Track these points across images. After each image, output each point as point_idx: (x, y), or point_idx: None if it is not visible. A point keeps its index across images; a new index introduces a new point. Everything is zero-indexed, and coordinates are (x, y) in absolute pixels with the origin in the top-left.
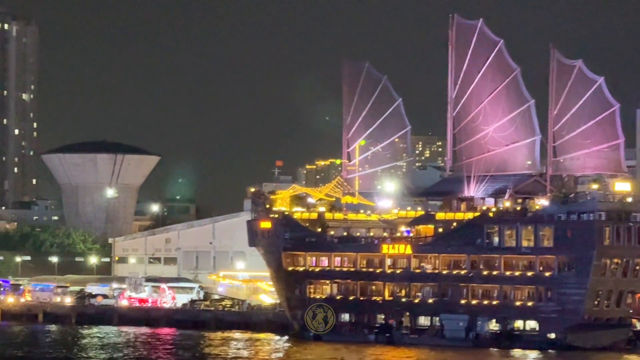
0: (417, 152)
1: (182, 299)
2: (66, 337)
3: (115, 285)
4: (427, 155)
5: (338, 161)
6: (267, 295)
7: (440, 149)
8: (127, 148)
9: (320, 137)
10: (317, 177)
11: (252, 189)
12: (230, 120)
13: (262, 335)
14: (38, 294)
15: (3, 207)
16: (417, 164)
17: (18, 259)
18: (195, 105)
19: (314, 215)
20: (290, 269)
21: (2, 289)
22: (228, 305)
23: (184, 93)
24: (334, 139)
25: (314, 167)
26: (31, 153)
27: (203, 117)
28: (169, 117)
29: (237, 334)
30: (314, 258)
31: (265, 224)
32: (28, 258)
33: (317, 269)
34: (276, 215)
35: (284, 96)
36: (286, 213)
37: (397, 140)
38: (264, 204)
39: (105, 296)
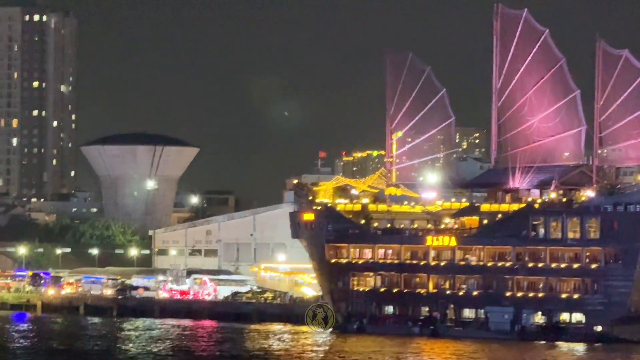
0: (441, 145)
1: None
2: (107, 329)
3: (161, 277)
4: (465, 146)
5: (375, 153)
6: (309, 288)
7: (477, 141)
8: (167, 139)
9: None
10: (354, 169)
11: (295, 181)
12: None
13: (304, 328)
14: (88, 286)
15: (42, 199)
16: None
17: (58, 251)
18: (234, 96)
19: (358, 207)
20: (333, 261)
21: (42, 281)
22: (270, 298)
23: (223, 84)
24: (371, 131)
25: (351, 159)
26: (70, 145)
27: (241, 108)
28: (208, 108)
29: (278, 327)
30: (357, 250)
31: (308, 216)
32: (68, 250)
33: (360, 261)
34: (319, 207)
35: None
36: (329, 205)
37: (440, 131)
38: (307, 196)
39: (146, 288)
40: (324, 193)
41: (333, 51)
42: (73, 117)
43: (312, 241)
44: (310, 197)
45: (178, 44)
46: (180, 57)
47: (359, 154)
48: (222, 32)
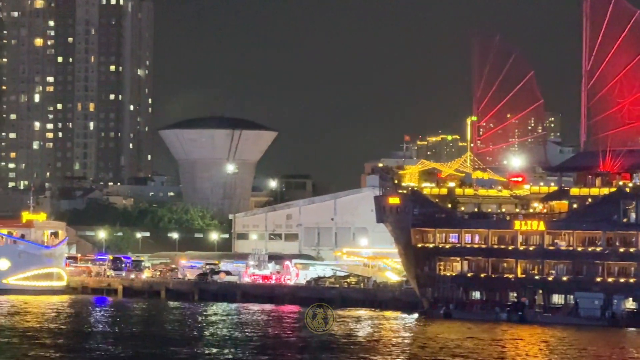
0: (529, 127)
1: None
2: (187, 313)
3: (252, 262)
4: (540, 130)
5: (449, 137)
6: (393, 272)
7: (553, 125)
8: (245, 123)
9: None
10: (429, 153)
11: (380, 164)
12: (345, 95)
13: (388, 313)
14: (189, 271)
15: (119, 183)
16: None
17: (138, 235)
18: (312, 79)
19: (444, 191)
20: (419, 245)
21: (123, 265)
22: (353, 283)
23: (301, 67)
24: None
25: (425, 143)
26: (146, 129)
27: (319, 91)
28: (286, 91)
29: (362, 312)
30: (443, 234)
31: (394, 200)
32: (147, 234)
33: (447, 246)
34: (405, 191)
35: (404, 71)
36: (415, 189)
37: (528, 114)
38: (393, 180)
39: (228, 273)
40: (410, 177)
41: (411, 34)
42: (149, 100)
43: (397, 225)
44: (396, 181)
45: (256, 27)
46: (259, 40)
47: (433, 138)
48: (301, 15)
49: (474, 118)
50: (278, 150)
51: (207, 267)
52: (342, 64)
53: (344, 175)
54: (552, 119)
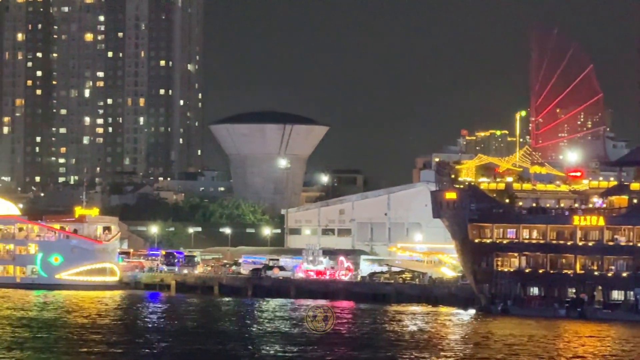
0: (579, 122)
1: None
2: (241, 309)
3: (306, 257)
4: (589, 125)
5: (498, 132)
6: (449, 268)
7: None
8: (296, 118)
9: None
10: (477, 148)
11: (436, 159)
12: (396, 89)
13: (443, 309)
14: (250, 267)
15: (169, 178)
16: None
17: (190, 230)
18: (363, 73)
19: (502, 186)
20: (476, 240)
21: (176, 260)
22: (408, 278)
23: (352, 61)
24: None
25: (474, 138)
26: (196, 124)
27: (370, 85)
28: (337, 85)
29: (417, 308)
30: (501, 230)
31: (451, 195)
32: (199, 229)
33: (504, 241)
34: (462, 186)
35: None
36: (472, 183)
37: (587, 108)
38: (449, 175)
39: (282, 268)
40: (467, 172)
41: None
42: (199, 95)
43: (454, 221)
44: (453, 176)
45: (307, 21)
46: (309, 33)
47: (481, 133)
48: (351, 8)
49: (524, 113)
50: (329, 145)
51: (271, 261)
52: (393, 58)
53: (394, 170)
54: (599, 114)
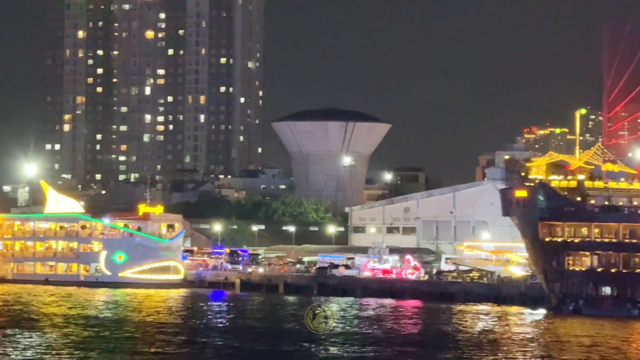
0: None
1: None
2: (305, 308)
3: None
4: None
5: (558, 130)
6: (517, 267)
7: None
8: (358, 115)
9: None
10: (536, 146)
11: (506, 157)
12: (458, 87)
13: (512, 309)
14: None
15: (229, 176)
16: None
17: (254, 228)
18: (425, 71)
19: (573, 184)
20: (547, 239)
21: (240, 258)
22: (476, 277)
23: (415, 59)
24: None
25: (533, 136)
26: (257, 121)
27: (433, 84)
28: (399, 83)
29: (485, 307)
30: (572, 228)
31: (521, 193)
32: (262, 227)
33: (576, 240)
34: (532, 184)
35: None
36: (543, 181)
37: None
38: (519, 172)
39: (347, 267)
40: (537, 169)
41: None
42: (260, 93)
43: (524, 219)
44: (523, 174)
45: (368, 18)
46: (372, 31)
47: (540, 131)
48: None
49: (584, 111)
50: (390, 143)
51: (348, 260)
52: (455, 57)
53: (456, 168)
54: None
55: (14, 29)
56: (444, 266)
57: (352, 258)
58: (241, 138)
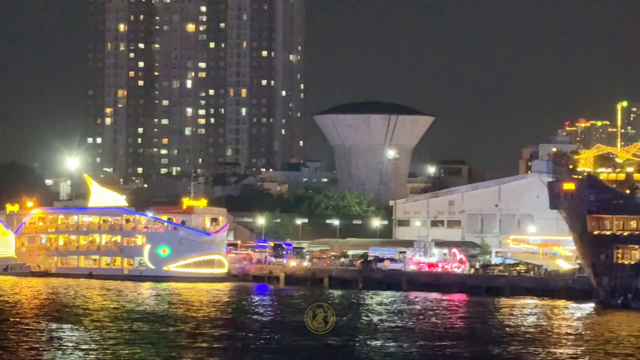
0: None
1: None
2: (350, 302)
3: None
4: None
5: (599, 123)
6: (564, 261)
7: None
8: (401, 108)
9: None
10: (577, 139)
11: (554, 149)
12: (501, 80)
13: (559, 303)
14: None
15: (271, 169)
16: None
17: (298, 221)
18: (468, 64)
19: (622, 176)
20: (595, 232)
21: (284, 252)
22: (523, 271)
23: (458, 52)
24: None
25: (574, 129)
26: (298, 114)
27: (475, 76)
28: (442, 76)
29: (532, 301)
30: (621, 221)
31: (569, 186)
32: (305, 220)
33: (625, 233)
34: (580, 177)
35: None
36: (591, 174)
37: None
38: (567, 165)
39: (392, 260)
40: (585, 162)
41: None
42: (301, 86)
43: (572, 212)
44: (571, 166)
45: (411, 10)
46: (414, 23)
47: (582, 124)
48: None
49: (625, 103)
50: (434, 136)
51: (400, 254)
52: (498, 50)
53: (499, 160)
54: None
55: (56, 23)
56: (495, 259)
57: (404, 252)
58: (283, 131)
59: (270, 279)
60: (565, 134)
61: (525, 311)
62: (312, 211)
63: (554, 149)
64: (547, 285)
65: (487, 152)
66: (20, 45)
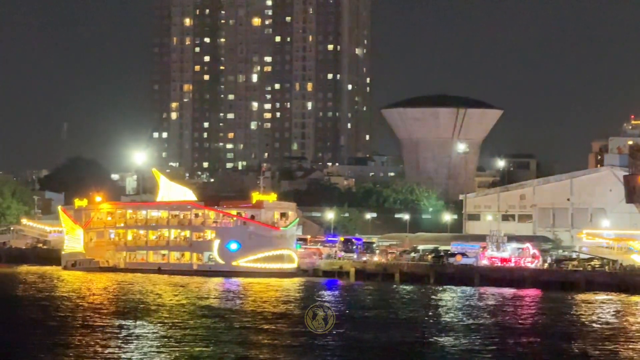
0: None
1: None
2: (422, 297)
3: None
4: None
5: None
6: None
7: None
8: (469, 101)
9: None
10: None
11: (630, 142)
12: (570, 73)
13: (635, 298)
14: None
15: (337, 163)
16: None
17: (367, 216)
18: (537, 57)
19: None
20: None
21: (354, 247)
22: (597, 266)
23: (526, 44)
24: None
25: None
26: (364, 108)
27: (544, 69)
28: (510, 69)
29: (610, 297)
30: None
31: None
32: (374, 215)
33: None
34: None
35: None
36: None
37: None
38: None
39: (464, 255)
40: None
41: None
42: (367, 80)
43: None
44: None
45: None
46: (481, 15)
47: None
48: None
49: None
50: (502, 129)
51: (479, 250)
52: (567, 42)
53: (568, 153)
54: None
55: (122, 18)
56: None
57: (485, 247)
58: (349, 125)
59: (341, 274)
60: (630, 127)
61: (602, 307)
62: (381, 205)
63: (630, 142)
64: (623, 281)
65: (554, 145)
66: (86, 40)
